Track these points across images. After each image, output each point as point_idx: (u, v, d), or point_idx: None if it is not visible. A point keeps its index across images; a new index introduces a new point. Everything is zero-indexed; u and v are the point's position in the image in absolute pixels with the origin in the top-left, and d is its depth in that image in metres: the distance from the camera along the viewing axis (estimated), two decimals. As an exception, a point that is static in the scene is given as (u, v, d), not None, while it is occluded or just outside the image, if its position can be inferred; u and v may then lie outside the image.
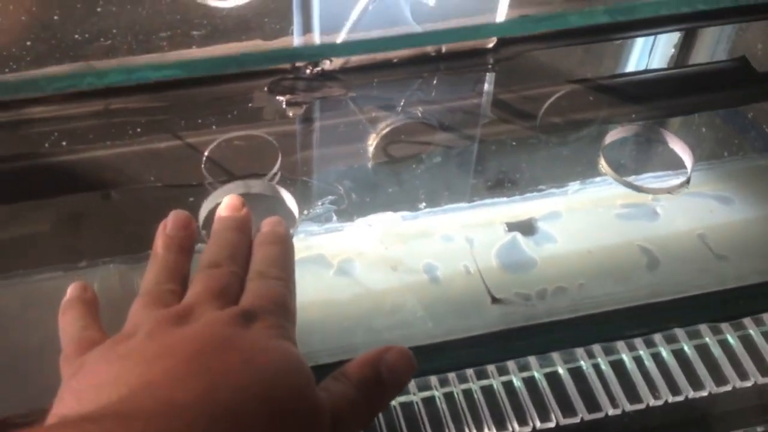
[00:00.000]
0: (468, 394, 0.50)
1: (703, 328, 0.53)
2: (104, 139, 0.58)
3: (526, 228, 0.54)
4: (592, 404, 0.50)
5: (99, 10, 0.62)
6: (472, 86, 0.65)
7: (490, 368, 0.50)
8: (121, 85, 0.59)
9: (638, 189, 0.56)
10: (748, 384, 0.52)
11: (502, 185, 0.58)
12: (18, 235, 0.54)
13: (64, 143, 0.58)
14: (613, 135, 0.60)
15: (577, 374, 0.51)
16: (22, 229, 0.54)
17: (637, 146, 0.61)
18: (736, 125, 0.65)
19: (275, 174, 0.57)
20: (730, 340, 0.54)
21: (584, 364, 0.52)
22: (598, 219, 0.55)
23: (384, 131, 0.61)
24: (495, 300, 0.49)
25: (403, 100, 0.63)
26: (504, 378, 0.50)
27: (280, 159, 0.57)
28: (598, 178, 0.58)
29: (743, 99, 0.66)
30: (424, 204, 0.56)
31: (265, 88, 0.62)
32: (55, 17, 0.62)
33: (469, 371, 0.50)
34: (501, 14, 0.63)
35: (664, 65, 0.70)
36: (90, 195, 0.56)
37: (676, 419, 0.51)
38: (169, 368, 0.33)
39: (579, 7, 0.64)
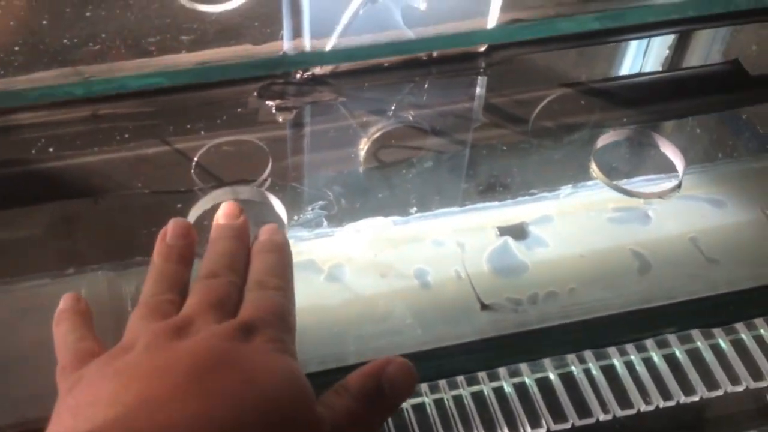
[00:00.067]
0: (458, 400, 0.50)
1: (694, 332, 0.53)
2: (92, 145, 0.58)
3: (518, 232, 0.54)
4: (583, 410, 0.50)
5: (88, 14, 0.62)
6: (464, 90, 0.65)
7: (481, 374, 0.50)
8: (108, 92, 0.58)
9: (630, 193, 0.56)
10: (740, 388, 0.52)
11: (493, 189, 0.57)
12: (4, 242, 0.54)
13: (51, 149, 0.58)
14: (604, 139, 0.60)
15: (568, 380, 0.51)
16: (8, 235, 0.54)
17: (628, 150, 0.61)
18: (729, 128, 0.65)
19: (265, 179, 0.56)
20: (722, 344, 0.54)
21: (575, 369, 0.52)
22: (589, 223, 0.55)
23: (375, 136, 0.61)
24: (484, 306, 0.49)
25: (394, 105, 0.63)
26: (495, 384, 0.50)
27: (270, 164, 0.57)
28: (590, 182, 0.57)
29: (736, 102, 0.66)
30: (415, 209, 0.55)
31: (255, 93, 0.62)
32: (44, 22, 0.62)
33: (460, 377, 0.49)
34: (492, 18, 0.63)
35: (658, 67, 0.70)
36: (78, 201, 0.55)
37: (667, 424, 0.51)
38: (166, 386, 0.33)
39: (570, 13, 0.64)
